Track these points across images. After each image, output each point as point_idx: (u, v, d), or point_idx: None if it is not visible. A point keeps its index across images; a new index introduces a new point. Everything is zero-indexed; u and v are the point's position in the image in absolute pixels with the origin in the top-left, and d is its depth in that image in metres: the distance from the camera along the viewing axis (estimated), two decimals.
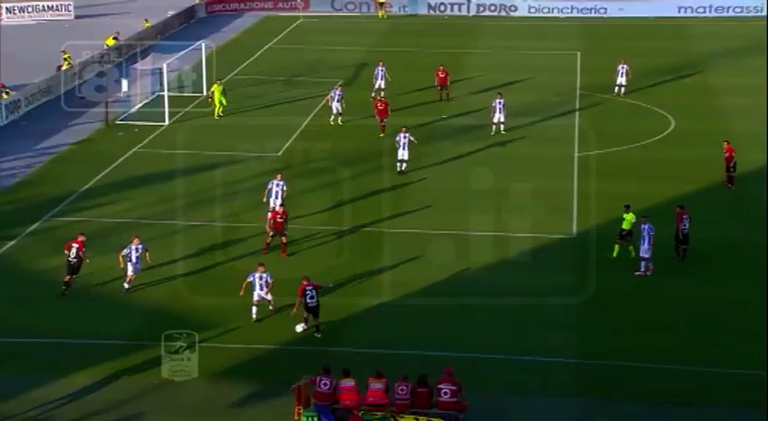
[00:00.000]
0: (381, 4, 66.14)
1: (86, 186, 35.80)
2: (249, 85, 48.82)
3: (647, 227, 28.47)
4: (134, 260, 27.51)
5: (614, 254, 29.51)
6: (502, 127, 40.23)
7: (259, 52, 56.11)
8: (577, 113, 43.71)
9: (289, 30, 62.59)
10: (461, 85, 47.88)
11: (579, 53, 54.69)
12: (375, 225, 32.07)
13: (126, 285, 27.62)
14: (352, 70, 51.75)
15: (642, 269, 28.52)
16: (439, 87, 45.42)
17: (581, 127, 41.87)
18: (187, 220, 32.65)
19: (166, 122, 42.97)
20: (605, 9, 65.50)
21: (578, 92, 47.08)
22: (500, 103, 40.19)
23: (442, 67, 45.89)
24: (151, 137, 41.47)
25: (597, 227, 31.47)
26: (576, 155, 38.46)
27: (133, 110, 44.73)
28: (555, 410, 22.37)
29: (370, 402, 21.12)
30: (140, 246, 27.65)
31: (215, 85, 44.05)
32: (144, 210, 33.38)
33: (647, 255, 28.41)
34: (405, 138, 36.01)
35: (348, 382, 21.35)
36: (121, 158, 38.84)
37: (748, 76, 49.05)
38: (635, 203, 30.63)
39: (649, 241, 28.27)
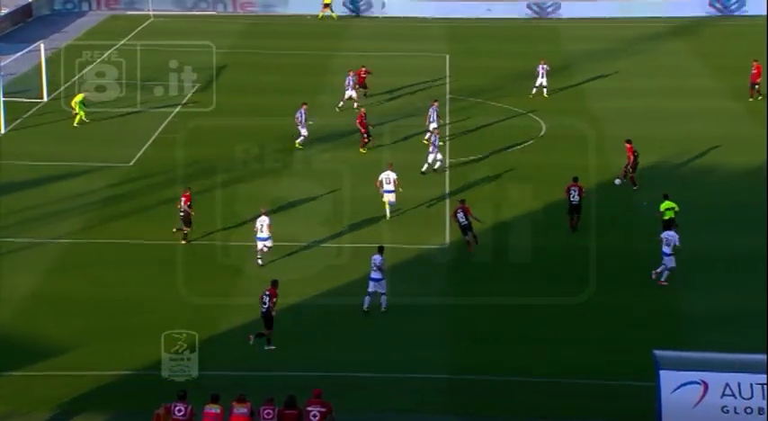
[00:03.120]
0: (327, 5, 65.99)
1: None
2: (95, 90, 47.76)
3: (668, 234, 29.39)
4: None
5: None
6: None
7: (106, 54, 55.01)
8: (448, 117, 44.56)
9: (138, 30, 61.58)
10: (330, 89, 48.11)
11: (448, 56, 55.80)
12: (241, 239, 31.88)
13: None
14: (209, 73, 51.29)
15: (662, 277, 29.48)
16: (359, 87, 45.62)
17: (452, 131, 42.69)
18: (28, 238, 31.74)
19: (2, 130, 41.78)
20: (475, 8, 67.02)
21: (448, 96, 48.03)
22: None
23: (364, 68, 46.38)
24: None
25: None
26: (448, 160, 39.20)
27: None
28: None
29: None
30: None
31: (78, 96, 43.31)
32: None
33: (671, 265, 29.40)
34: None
35: (213, 409, 21.22)
36: None
37: (615, 79, 51.01)
38: (509, 209, 31.45)
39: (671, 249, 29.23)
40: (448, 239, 32.42)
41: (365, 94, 46.21)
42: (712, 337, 26.39)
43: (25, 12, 63.46)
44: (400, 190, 33.71)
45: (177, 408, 21.07)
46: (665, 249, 29.40)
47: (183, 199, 31.64)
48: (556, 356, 25.75)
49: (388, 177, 33.66)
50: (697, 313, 28.09)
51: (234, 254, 31.07)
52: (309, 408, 21.21)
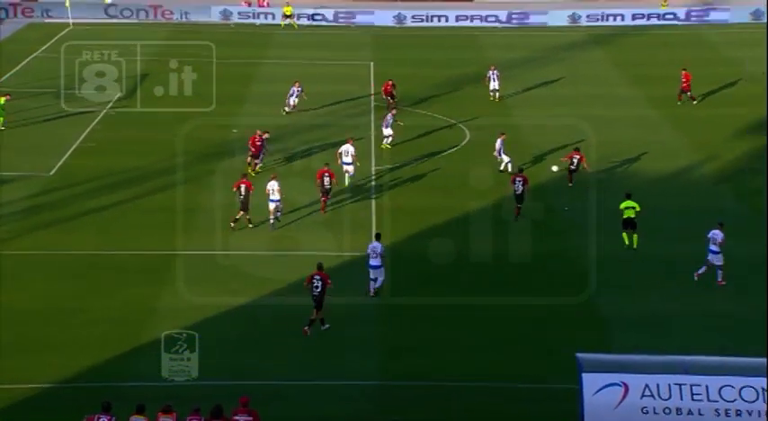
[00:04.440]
0: (288, 16, 65.44)
1: None
2: (14, 99, 46.88)
3: (714, 234, 29.73)
4: None
5: (634, 245, 31.87)
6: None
7: (23, 62, 54.07)
8: (372, 126, 44.74)
9: (57, 38, 60.60)
10: (258, 97, 47.96)
11: (372, 63, 56.03)
12: (162, 248, 31.60)
13: None
14: (132, 81, 50.73)
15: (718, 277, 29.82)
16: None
17: (377, 139, 42.86)
18: None
19: None
20: (402, 18, 67.43)
21: (373, 103, 48.21)
22: None
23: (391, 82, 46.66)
24: None
25: (397, 242, 32.32)
26: (374, 168, 39.36)
27: None
28: None
29: None
30: None
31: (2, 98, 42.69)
32: None
33: (720, 263, 29.69)
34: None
35: (139, 419, 20.97)
36: None
37: (534, 86, 51.74)
38: (434, 216, 31.70)
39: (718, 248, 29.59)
40: None
41: (394, 105, 45.01)
42: (633, 339, 26.91)
43: None
44: (357, 164, 36.81)
45: (101, 420, 20.81)
46: (713, 247, 29.73)
47: (244, 186, 32.61)
48: (482, 361, 26.00)
49: (347, 150, 36.82)
50: (619, 316, 28.58)
51: (157, 263, 30.75)
52: (236, 418, 21.12)
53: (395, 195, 36.80)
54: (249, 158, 38.15)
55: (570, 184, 37.36)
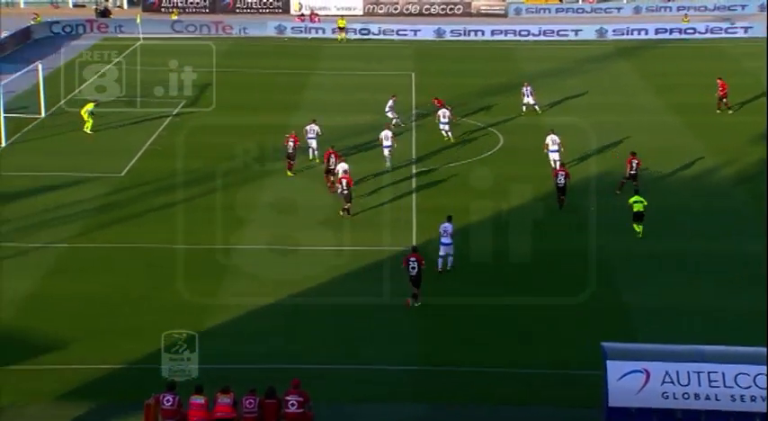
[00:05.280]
0: (341, 28, 65.81)
1: None
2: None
3: None
4: None
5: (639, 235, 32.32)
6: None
7: (98, 73, 54.66)
8: (414, 131, 44.70)
9: (128, 51, 61.28)
10: (310, 106, 48.13)
11: (414, 73, 55.96)
12: (223, 243, 31.80)
13: None
14: (194, 91, 51.19)
15: None
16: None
17: (417, 144, 42.84)
18: (28, 243, 31.48)
19: (3, 144, 41.41)
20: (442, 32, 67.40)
21: (414, 110, 48.17)
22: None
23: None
24: None
25: (435, 238, 32.22)
26: (414, 171, 39.33)
27: None
28: (399, 415, 22.80)
29: (218, 417, 21.00)
30: None
31: (89, 104, 43.62)
32: None
33: None
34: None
35: (198, 399, 21.16)
36: None
37: (564, 95, 51.35)
38: (469, 216, 31.62)
39: None
40: (414, 242, 32.48)
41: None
42: (654, 330, 26.64)
43: (25, 34, 63.00)
44: (395, 145, 39.06)
45: (166, 399, 21.02)
46: None
47: (345, 180, 33.64)
48: (513, 350, 25.88)
49: (386, 135, 39.24)
50: (642, 308, 28.29)
51: (217, 257, 30.96)
52: (288, 398, 21.22)
53: (433, 195, 36.71)
54: (288, 159, 38.42)
55: (618, 192, 36.36)
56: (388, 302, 28.26)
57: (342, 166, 35.40)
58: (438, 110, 43.93)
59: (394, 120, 43.84)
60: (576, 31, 67.21)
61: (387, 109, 44.46)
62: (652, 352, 21.85)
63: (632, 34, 66.74)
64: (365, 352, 25.60)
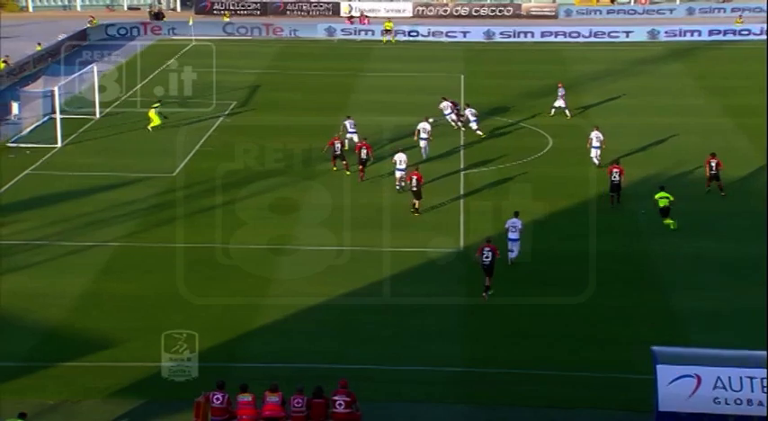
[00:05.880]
0: (388, 30, 66.18)
1: None
2: (143, 107, 48.09)
3: None
4: None
5: (672, 226, 32.72)
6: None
7: (152, 75, 55.37)
8: (461, 133, 44.52)
9: (181, 53, 61.96)
10: (355, 106, 48.22)
11: (463, 76, 55.77)
12: (271, 243, 31.94)
13: None
14: (246, 92, 51.59)
15: None
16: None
17: (466, 145, 42.66)
18: (82, 242, 31.92)
19: (59, 144, 42.01)
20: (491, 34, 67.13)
21: (466, 111, 47.85)
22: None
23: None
24: (43, 159, 40.46)
25: (482, 240, 32.03)
26: (462, 172, 39.17)
27: (25, 132, 43.63)
28: (445, 416, 22.70)
29: (266, 415, 21.07)
30: None
31: (155, 104, 44.44)
32: (37, 233, 32.52)
33: None
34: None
35: (245, 397, 21.26)
36: (13, 181, 37.75)
37: (616, 97, 50.83)
38: (520, 217, 31.36)
39: None
40: (462, 244, 32.36)
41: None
42: (704, 334, 26.20)
43: (81, 37, 64.03)
44: (431, 138, 39.97)
45: (216, 397, 21.15)
46: None
47: (416, 177, 34.03)
48: (562, 351, 25.62)
49: (424, 128, 40.04)
50: (693, 312, 27.84)
51: (266, 257, 31.09)
52: (335, 398, 21.23)
53: (481, 197, 36.51)
54: (334, 159, 38.72)
55: (708, 188, 36.20)
56: (435, 302, 28.15)
57: (400, 157, 36.36)
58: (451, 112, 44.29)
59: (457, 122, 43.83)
60: (628, 33, 66.47)
61: (448, 111, 44.23)
62: (703, 356, 21.46)
63: (685, 36, 65.84)
64: (412, 352, 25.51)
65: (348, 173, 38.37)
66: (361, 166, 37.67)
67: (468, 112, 43.90)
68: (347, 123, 41.12)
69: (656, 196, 33.46)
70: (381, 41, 65.83)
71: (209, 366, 24.07)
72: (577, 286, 29.24)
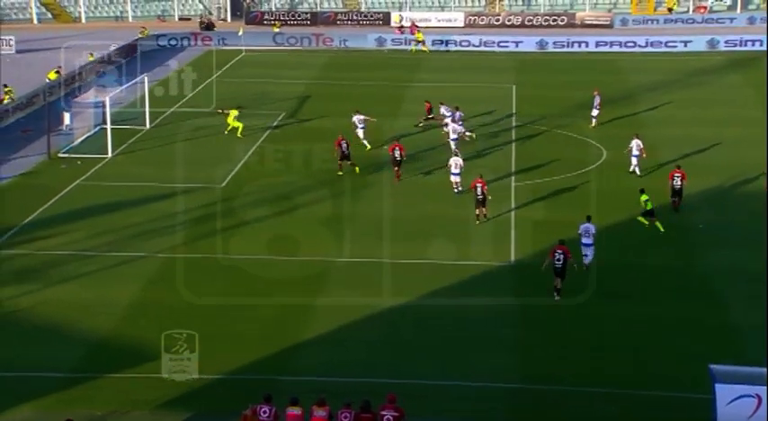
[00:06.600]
0: (421, 41, 66.66)
1: (28, 219, 35.24)
2: (192, 117, 48.69)
3: None
4: None
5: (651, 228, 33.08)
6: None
7: (202, 85, 56.02)
8: (513, 144, 44.31)
9: (231, 63, 62.63)
10: (404, 117, 48.29)
11: (515, 86, 55.55)
12: (321, 254, 32.05)
13: None
14: (294, 102, 51.95)
15: None
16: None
17: (517, 157, 42.45)
18: (131, 252, 32.31)
19: (110, 155, 42.62)
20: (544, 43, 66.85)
21: (514, 123, 47.78)
22: None
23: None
24: (94, 169, 41.09)
25: (535, 253, 31.84)
26: (514, 184, 38.96)
27: (76, 142, 44.35)
28: None
29: None
30: None
31: (234, 111, 45.47)
32: (87, 243, 32.98)
33: None
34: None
35: (294, 410, 21.28)
36: (64, 191, 38.36)
37: (677, 108, 50.24)
38: (570, 230, 31.11)
39: None
40: (513, 257, 32.15)
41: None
42: (763, 351, 25.64)
43: (132, 47, 64.98)
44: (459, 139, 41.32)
45: (263, 410, 21.19)
46: None
47: (480, 185, 34.17)
48: (615, 367, 25.27)
49: (454, 128, 41.65)
50: (750, 328, 27.29)
51: (314, 269, 31.16)
52: (383, 413, 21.15)
53: (533, 210, 36.26)
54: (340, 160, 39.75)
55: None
56: (486, 315, 27.98)
57: (456, 161, 37.01)
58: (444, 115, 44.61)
59: (467, 132, 43.90)
60: (686, 43, 65.74)
61: (457, 119, 44.05)
62: (763, 375, 21.01)
63: (746, 45, 64.92)
64: (463, 367, 25.34)
65: (357, 170, 38.89)
66: (396, 168, 38.42)
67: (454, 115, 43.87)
68: (356, 119, 42.76)
69: (642, 199, 33.67)
70: (411, 51, 65.92)
71: (257, 379, 24.18)
72: (633, 299, 28.90)
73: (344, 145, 39.43)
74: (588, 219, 30.76)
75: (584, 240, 30.38)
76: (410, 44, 68.04)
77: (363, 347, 26.31)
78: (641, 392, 24.04)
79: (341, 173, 39.29)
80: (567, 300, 28.76)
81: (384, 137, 44.42)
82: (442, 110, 44.90)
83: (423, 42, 66.63)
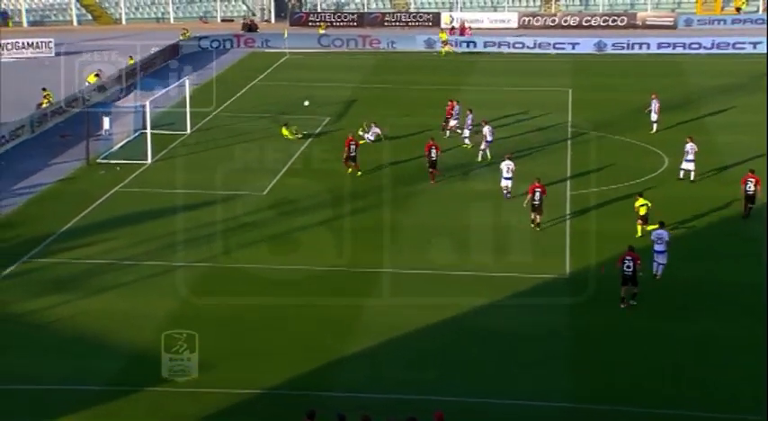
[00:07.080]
0: (445, 42, 66.89)
1: (66, 227, 35.80)
2: (235, 122, 49.14)
3: None
4: None
5: (638, 234, 33.24)
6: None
7: (245, 89, 56.53)
8: (569, 150, 44.07)
9: (275, 66, 63.10)
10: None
11: (571, 90, 55.26)
12: (366, 264, 32.14)
13: None
14: (340, 107, 52.18)
15: None
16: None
17: (573, 164, 42.21)
18: (170, 262, 32.67)
19: (149, 161, 43.10)
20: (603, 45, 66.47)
21: (570, 129, 47.53)
22: None
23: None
24: (133, 175, 41.59)
25: (591, 266, 31.62)
26: (569, 193, 38.74)
27: (115, 148, 44.86)
28: None
29: None
30: None
31: (283, 130, 46.16)
32: (126, 252, 33.39)
33: None
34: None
35: None
36: (103, 198, 38.89)
37: (743, 113, 49.57)
38: (628, 241, 30.81)
39: None
40: (568, 269, 31.94)
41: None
42: None
43: (174, 49, 65.80)
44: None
45: None
46: None
47: (539, 190, 34.30)
48: (673, 385, 24.96)
49: (489, 130, 42.21)
50: None
51: (360, 280, 31.27)
52: None
53: (589, 219, 36.01)
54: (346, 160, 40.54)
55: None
56: (540, 331, 27.85)
57: (508, 165, 37.31)
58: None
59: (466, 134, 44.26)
60: (755, 44, 64.92)
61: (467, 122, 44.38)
62: None
63: None
64: (514, 384, 25.23)
65: (360, 174, 39.20)
66: (432, 169, 39.06)
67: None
68: (371, 132, 44.21)
69: (636, 204, 33.66)
70: (440, 53, 65.84)
71: (298, 394, 24.29)
72: (696, 314, 28.58)
73: (353, 146, 40.09)
74: (662, 226, 30.87)
75: (656, 247, 30.42)
76: (461, 46, 68.05)
77: (410, 363, 26.27)
78: (692, 413, 23.73)
79: (350, 171, 40.15)
80: (624, 315, 28.52)
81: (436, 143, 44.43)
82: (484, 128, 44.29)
83: (446, 42, 66.43)
